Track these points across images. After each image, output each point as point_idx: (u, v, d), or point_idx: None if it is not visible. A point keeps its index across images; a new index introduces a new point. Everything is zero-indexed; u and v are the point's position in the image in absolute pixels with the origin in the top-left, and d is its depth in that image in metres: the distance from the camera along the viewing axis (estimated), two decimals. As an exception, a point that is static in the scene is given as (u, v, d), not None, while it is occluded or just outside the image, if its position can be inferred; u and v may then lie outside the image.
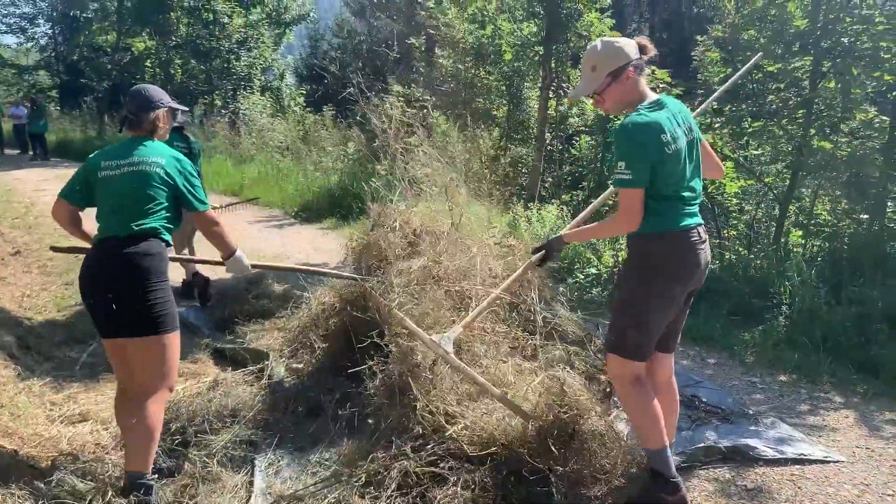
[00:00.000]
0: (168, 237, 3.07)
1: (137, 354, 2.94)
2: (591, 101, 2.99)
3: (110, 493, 2.83)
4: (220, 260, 3.37)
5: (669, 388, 3.16)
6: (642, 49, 2.84)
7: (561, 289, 4.87)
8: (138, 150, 3.04)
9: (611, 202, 4.15)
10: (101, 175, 3.01)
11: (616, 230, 3.24)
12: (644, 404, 2.87)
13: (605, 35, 9.44)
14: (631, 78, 2.80)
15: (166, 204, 3.03)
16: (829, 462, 3.49)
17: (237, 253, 3.31)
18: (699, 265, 2.83)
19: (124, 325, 2.91)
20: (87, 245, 3.12)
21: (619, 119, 8.99)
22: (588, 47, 2.91)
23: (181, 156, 3.14)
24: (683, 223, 2.78)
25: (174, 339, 3.00)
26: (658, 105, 2.77)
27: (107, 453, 3.31)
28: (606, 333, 3.04)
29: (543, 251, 3.25)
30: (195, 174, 3.16)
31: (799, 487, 3.25)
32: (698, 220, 2.86)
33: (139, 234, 2.92)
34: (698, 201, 2.89)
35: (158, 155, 3.04)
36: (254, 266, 3.47)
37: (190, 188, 3.08)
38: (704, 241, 2.86)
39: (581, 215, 3.63)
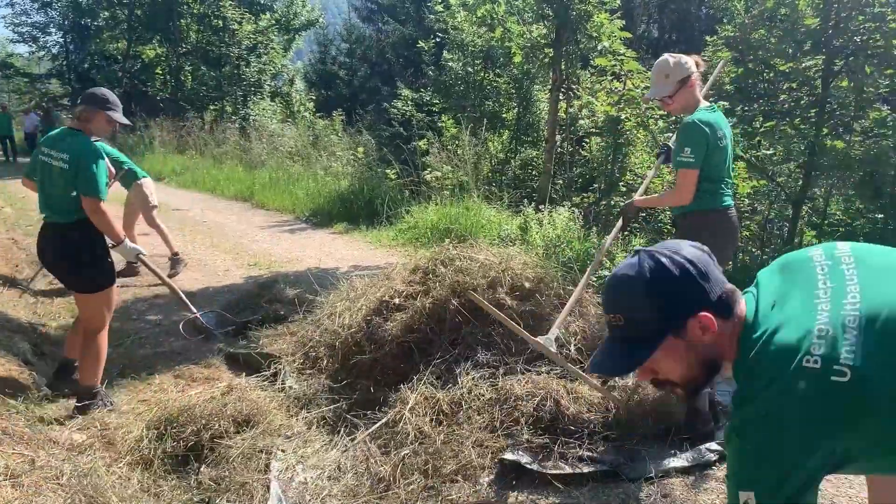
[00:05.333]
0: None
1: (86, 305, 3.94)
2: (661, 103, 3.68)
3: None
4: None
5: None
6: (697, 65, 3.55)
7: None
8: (64, 143, 3.74)
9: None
10: (39, 158, 3.80)
11: (672, 202, 3.77)
12: None
13: (615, 36, 9.43)
14: (694, 85, 3.52)
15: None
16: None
17: (125, 243, 4.05)
18: (736, 236, 3.68)
19: (72, 286, 4.01)
20: None
21: (629, 120, 9.03)
22: (659, 60, 3.60)
23: (92, 148, 3.71)
24: (726, 203, 3.55)
25: (110, 293, 3.96)
26: (713, 110, 3.56)
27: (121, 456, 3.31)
28: None
29: (621, 218, 3.90)
30: (96, 165, 3.69)
31: (818, 489, 3.20)
32: (733, 201, 3.66)
33: (70, 223, 3.79)
34: (732, 186, 3.69)
35: (69, 151, 3.69)
36: (138, 256, 4.29)
37: (83, 176, 3.67)
38: (737, 217, 3.66)
39: (641, 187, 4.27)
